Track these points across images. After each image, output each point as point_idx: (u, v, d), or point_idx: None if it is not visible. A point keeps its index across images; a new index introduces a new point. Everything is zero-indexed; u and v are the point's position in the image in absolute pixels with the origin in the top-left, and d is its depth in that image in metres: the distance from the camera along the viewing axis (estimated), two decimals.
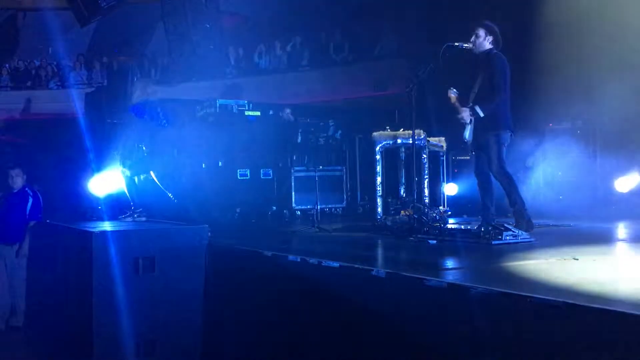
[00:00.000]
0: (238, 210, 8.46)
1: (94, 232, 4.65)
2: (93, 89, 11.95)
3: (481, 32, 5.61)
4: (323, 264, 4.13)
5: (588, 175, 7.92)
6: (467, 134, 5.57)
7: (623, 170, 7.74)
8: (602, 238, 5.55)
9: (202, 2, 11.73)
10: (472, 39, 5.64)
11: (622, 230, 6.30)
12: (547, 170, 7.98)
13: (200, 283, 4.87)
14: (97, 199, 6.76)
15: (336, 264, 4.05)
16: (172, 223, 5.54)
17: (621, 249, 5.07)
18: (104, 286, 4.48)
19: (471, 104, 5.55)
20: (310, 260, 4.25)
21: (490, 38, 5.61)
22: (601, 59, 7.30)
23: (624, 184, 7.74)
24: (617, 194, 7.78)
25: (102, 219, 6.30)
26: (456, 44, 5.71)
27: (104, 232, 4.66)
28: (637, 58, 7.00)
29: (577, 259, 4.07)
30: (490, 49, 5.63)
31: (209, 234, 5.13)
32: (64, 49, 12.72)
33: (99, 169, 6.98)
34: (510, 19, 6.54)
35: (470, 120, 5.55)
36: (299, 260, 4.36)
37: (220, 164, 8.50)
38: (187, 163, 8.11)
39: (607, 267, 3.96)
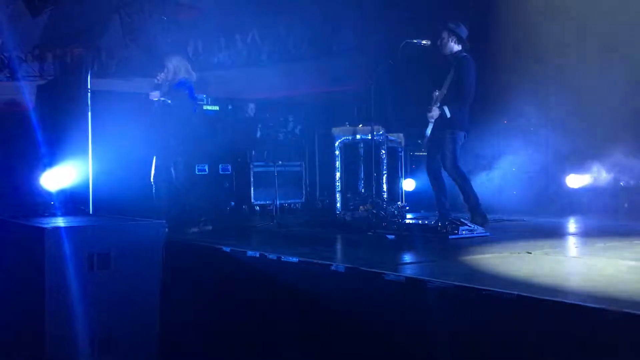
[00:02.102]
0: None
1: (46, 228, 4.51)
2: (45, 81, 11.59)
3: (444, 35, 5.73)
4: (282, 259, 4.13)
5: (541, 171, 8.12)
6: (429, 131, 5.69)
7: (574, 166, 7.98)
8: (554, 232, 5.72)
9: None
10: (438, 42, 5.75)
11: (572, 224, 6.50)
12: (501, 166, 8.16)
13: (157, 279, 4.78)
14: (50, 193, 6.58)
15: (295, 259, 4.06)
16: (127, 218, 5.43)
17: (572, 243, 5.23)
18: (56, 284, 4.36)
19: (439, 104, 5.66)
20: (270, 256, 4.24)
21: (454, 38, 5.72)
22: (557, 57, 7.49)
23: (575, 180, 7.97)
24: (568, 189, 8.01)
25: (54, 215, 6.13)
26: (415, 40, 5.79)
27: (56, 228, 4.53)
28: (591, 57, 7.21)
29: (530, 253, 4.18)
30: (459, 50, 5.73)
31: (166, 229, 5.05)
32: (14, 40, 12.31)
33: (51, 163, 6.79)
34: (468, 17, 6.62)
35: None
36: (258, 255, 4.35)
37: (178, 159, 8.36)
38: (142, 157, 7.96)
39: (559, 261, 4.08)
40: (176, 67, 6.07)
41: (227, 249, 4.66)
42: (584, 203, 7.52)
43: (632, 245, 4.59)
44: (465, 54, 5.73)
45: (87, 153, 6.79)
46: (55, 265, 4.38)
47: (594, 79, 7.15)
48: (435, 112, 5.65)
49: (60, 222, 5.17)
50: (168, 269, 4.75)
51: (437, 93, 5.71)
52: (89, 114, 6.99)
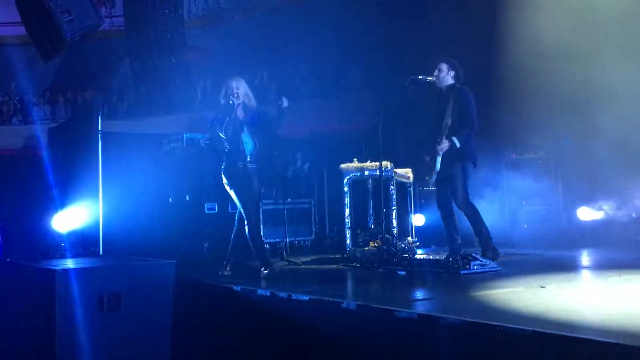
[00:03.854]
0: (206, 244, 8.35)
1: (56, 270, 4.52)
2: (56, 124, 11.78)
3: (443, 67, 5.83)
4: (293, 298, 4.10)
5: (551, 204, 8.08)
6: (438, 165, 5.71)
7: (585, 199, 7.93)
8: (567, 266, 5.65)
9: (167, 37, 11.79)
10: (436, 73, 5.82)
11: (585, 257, 6.43)
12: (511, 200, 8.13)
13: (168, 319, 4.76)
14: (61, 235, 6.61)
15: (306, 297, 4.03)
16: (138, 258, 5.43)
17: (586, 277, 5.17)
18: (66, 325, 4.35)
19: (445, 135, 5.69)
20: (280, 294, 4.21)
21: (452, 73, 5.82)
22: (563, 94, 7.54)
23: (586, 212, 7.92)
24: (579, 222, 7.95)
25: (65, 257, 6.14)
26: (420, 77, 5.87)
27: (66, 270, 4.53)
28: (596, 94, 7.26)
29: (544, 287, 4.12)
30: (454, 83, 5.81)
31: (176, 269, 5.05)
32: (27, 84, 12.56)
33: (62, 204, 6.84)
34: (476, 53, 6.73)
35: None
36: (268, 294, 4.32)
37: (187, 198, 8.42)
38: (153, 197, 8.01)
39: (574, 295, 4.03)
40: (246, 89, 5.81)
41: (238, 288, 4.64)
42: (596, 236, 7.45)
43: None
44: (460, 86, 5.80)
45: (98, 194, 6.85)
46: (65, 307, 4.37)
47: (603, 108, 7.19)
48: (445, 144, 5.68)
49: (70, 263, 5.18)
50: (178, 309, 4.73)
51: (445, 124, 5.74)
52: (100, 155, 7.07)
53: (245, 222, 5.60)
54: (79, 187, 6.97)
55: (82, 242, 6.52)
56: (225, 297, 4.64)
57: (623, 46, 7.24)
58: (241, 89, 5.70)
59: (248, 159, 5.65)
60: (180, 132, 8.97)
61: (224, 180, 5.66)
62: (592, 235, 7.51)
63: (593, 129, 7.26)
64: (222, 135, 5.58)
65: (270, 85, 12.58)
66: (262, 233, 8.52)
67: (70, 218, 6.62)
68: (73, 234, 6.56)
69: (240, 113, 5.69)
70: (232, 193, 5.65)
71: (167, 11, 11.66)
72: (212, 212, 8.58)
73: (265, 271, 5.56)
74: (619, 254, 6.37)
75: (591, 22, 7.38)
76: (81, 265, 4.92)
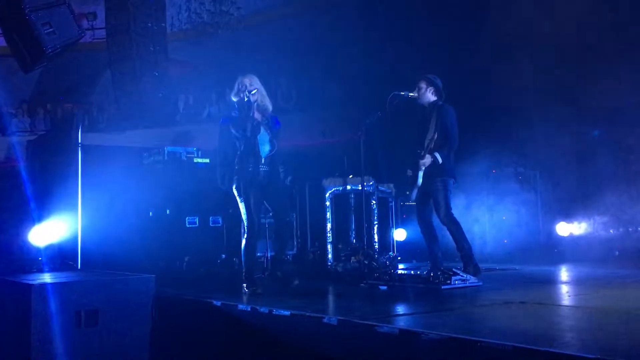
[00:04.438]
0: (186, 258, 8.27)
1: (33, 284, 4.45)
2: (36, 136, 11.66)
3: (422, 85, 5.92)
4: (274, 313, 4.07)
5: (531, 220, 8.15)
6: (420, 180, 5.75)
7: (564, 214, 8.02)
8: (547, 281, 5.70)
9: (150, 50, 11.75)
10: (415, 91, 5.90)
11: (565, 273, 6.49)
12: (492, 215, 8.19)
13: (147, 335, 4.69)
14: (38, 249, 6.51)
15: (287, 313, 4.00)
16: (116, 273, 5.36)
17: (565, 292, 5.20)
18: (42, 341, 4.26)
19: (428, 150, 5.73)
20: (261, 309, 4.18)
21: (432, 89, 5.89)
22: (543, 110, 7.66)
23: (565, 228, 8.00)
24: (559, 237, 8.03)
25: (42, 271, 6.04)
26: (402, 93, 5.93)
27: (43, 285, 4.46)
28: (576, 109, 7.39)
29: (524, 303, 4.15)
30: (435, 100, 5.88)
31: (156, 284, 4.99)
32: (6, 95, 12.42)
33: (40, 218, 6.74)
34: (456, 71, 6.81)
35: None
36: (249, 309, 4.29)
37: (168, 211, 8.35)
38: (133, 211, 7.93)
39: (554, 310, 4.05)
40: (261, 87, 5.42)
41: (218, 303, 4.60)
42: (575, 251, 7.54)
43: (625, 293, 4.57)
44: (442, 102, 5.88)
45: (77, 207, 6.76)
46: (41, 322, 4.29)
47: (583, 127, 7.33)
48: (427, 160, 5.72)
49: (47, 278, 5.10)
50: (157, 325, 4.66)
51: (428, 140, 5.79)
52: (79, 168, 7.00)
53: (244, 230, 5.31)
54: (57, 200, 6.88)
55: (60, 256, 6.43)
56: (206, 313, 4.59)
57: (612, 67, 7.39)
58: (255, 87, 5.34)
59: (262, 162, 5.34)
60: (162, 146, 8.91)
61: (233, 184, 5.36)
62: (570, 251, 7.59)
63: (574, 143, 7.38)
64: (235, 134, 5.24)
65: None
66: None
67: (47, 231, 6.53)
68: (50, 248, 6.47)
69: (256, 113, 5.35)
70: (237, 198, 5.35)
71: (150, 24, 11.64)
72: (193, 226, 8.51)
73: (247, 290, 5.28)
74: (597, 269, 6.44)
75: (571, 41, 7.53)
76: (58, 280, 4.84)
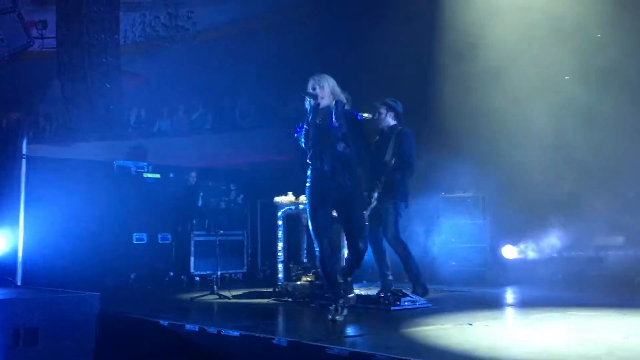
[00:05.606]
0: (133, 275, 8.09)
1: None
2: None
3: (382, 110, 6.01)
4: (223, 333, 4.01)
5: (479, 242, 8.32)
6: (374, 200, 5.81)
7: (510, 237, 8.22)
8: (493, 303, 5.82)
9: (102, 61, 11.50)
10: (376, 116, 5.98)
11: (510, 295, 6.64)
12: (440, 237, 8.31)
13: (89, 355, 4.53)
14: None
15: (236, 333, 3.94)
16: (58, 290, 5.18)
17: (511, 314, 5.32)
18: None
19: (385, 173, 5.79)
20: (209, 329, 4.11)
21: (391, 114, 5.99)
22: (492, 134, 7.87)
23: (510, 251, 8.20)
24: (505, 260, 8.21)
25: None
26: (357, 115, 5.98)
27: None
28: (525, 133, 7.65)
29: (472, 324, 4.22)
30: (395, 124, 5.98)
31: (100, 301, 4.84)
32: None
33: None
34: (410, 94, 6.93)
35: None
36: (197, 329, 4.21)
37: (115, 227, 8.15)
38: (79, 226, 7.70)
39: (500, 332, 4.13)
40: (332, 87, 4.78)
41: (165, 323, 4.49)
42: (520, 273, 7.72)
43: (568, 316, 4.71)
44: (401, 127, 5.98)
45: (18, 221, 6.51)
46: None
47: (528, 153, 7.57)
48: (383, 182, 5.79)
49: None
50: (101, 345, 4.52)
51: (387, 161, 5.86)
52: (23, 180, 6.76)
53: (316, 247, 4.68)
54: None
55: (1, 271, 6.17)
56: (152, 332, 4.48)
57: (545, 95, 7.69)
58: (321, 88, 4.71)
59: (329, 174, 4.64)
60: (111, 160, 8.73)
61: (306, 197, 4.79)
62: (516, 273, 7.77)
63: (519, 168, 7.60)
64: (302, 146, 4.75)
65: (206, 115, 12.50)
66: (192, 265, 8.43)
67: None
68: None
69: (321, 117, 4.71)
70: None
71: (103, 35, 11.41)
72: (141, 242, 8.35)
73: (337, 314, 4.52)
74: (541, 292, 6.61)
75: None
76: None
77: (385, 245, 5.93)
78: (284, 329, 4.77)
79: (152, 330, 4.49)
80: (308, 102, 4.76)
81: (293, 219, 7.19)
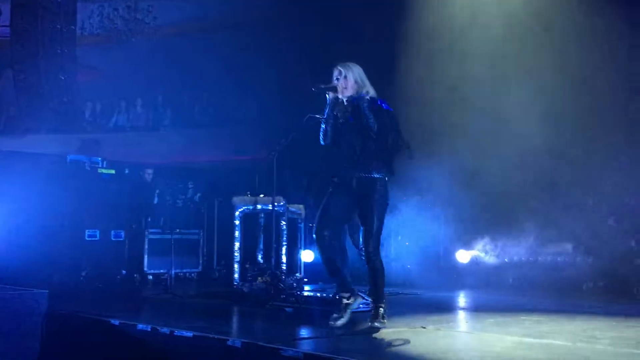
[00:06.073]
0: (84, 273, 7.88)
1: None
2: None
3: None
4: (175, 334, 3.95)
5: (433, 246, 8.44)
6: None
7: (464, 241, 8.36)
8: (446, 307, 5.91)
9: (57, 52, 11.22)
10: None
11: (463, 299, 6.75)
12: (396, 240, 8.39)
13: (35, 355, 4.40)
14: None
15: (190, 334, 3.89)
16: (5, 287, 5.01)
17: (463, 318, 5.41)
18: None
19: None
20: (162, 330, 4.05)
21: None
22: (447, 137, 7.99)
23: (463, 255, 8.34)
24: (458, 264, 8.35)
25: None
26: (317, 116, 5.96)
27: None
28: (481, 138, 7.78)
29: (425, 328, 4.27)
30: None
31: (49, 299, 4.70)
32: None
33: None
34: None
35: None
36: (149, 329, 4.13)
37: (66, 223, 7.93)
38: (28, 221, 7.47)
39: (451, 336, 4.19)
40: (356, 77, 4.39)
41: (116, 322, 4.40)
42: (473, 277, 7.86)
43: (519, 320, 4.80)
44: None
45: None
46: None
47: (485, 157, 7.70)
48: None
49: None
50: (49, 344, 4.39)
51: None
52: None
53: (315, 238, 4.49)
54: None
55: None
56: (102, 332, 4.38)
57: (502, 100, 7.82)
58: (345, 78, 4.34)
59: (346, 169, 4.36)
60: (64, 154, 8.49)
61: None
62: (469, 277, 7.91)
63: (476, 172, 7.73)
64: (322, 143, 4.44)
65: (165, 111, 12.31)
66: (145, 263, 8.27)
67: None
68: None
69: (342, 109, 4.38)
70: None
71: (58, 26, 11.12)
72: (93, 239, 8.14)
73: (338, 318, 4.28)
74: (493, 296, 6.75)
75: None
76: None
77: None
78: (239, 330, 4.73)
79: (102, 330, 4.39)
80: (327, 93, 4.40)
81: (250, 219, 7.15)
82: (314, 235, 4.48)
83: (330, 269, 4.47)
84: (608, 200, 7.36)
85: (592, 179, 7.37)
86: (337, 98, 4.39)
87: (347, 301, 4.38)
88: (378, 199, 4.30)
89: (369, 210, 4.29)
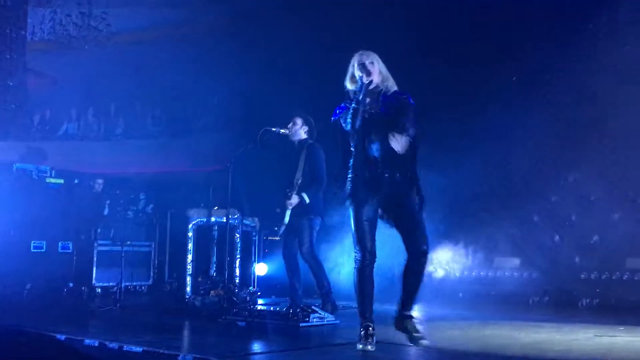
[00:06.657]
0: (28, 286, 7.63)
1: None
2: None
3: (298, 121, 6.00)
4: (124, 349, 3.86)
5: (384, 258, 8.48)
6: (287, 218, 5.81)
7: None
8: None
9: (6, 57, 10.91)
10: (290, 125, 5.97)
11: (414, 312, 6.78)
12: (350, 256, 8.41)
13: None
14: None
15: (139, 349, 3.81)
16: None
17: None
18: None
19: (297, 190, 5.80)
20: (110, 345, 3.95)
21: (305, 128, 6.01)
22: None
23: None
24: None
25: None
26: (273, 129, 5.98)
27: None
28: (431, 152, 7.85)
29: (378, 343, 4.29)
30: (306, 139, 6.00)
31: None
32: None
33: None
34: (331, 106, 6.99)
35: None
36: (97, 344, 4.03)
37: (11, 233, 7.68)
38: None
39: (404, 351, 4.23)
40: (381, 67, 4.10)
41: (62, 337, 4.27)
42: (424, 291, 7.93)
43: (466, 334, 4.88)
44: (312, 141, 6.01)
45: None
46: None
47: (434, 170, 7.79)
48: (294, 199, 5.80)
49: None
50: None
51: (296, 179, 5.87)
52: None
53: (356, 255, 4.22)
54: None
55: None
56: (48, 347, 4.24)
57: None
58: (372, 64, 4.04)
59: (381, 165, 3.99)
60: (11, 162, 8.23)
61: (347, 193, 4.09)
62: (420, 290, 7.97)
63: (427, 184, 7.81)
64: (346, 129, 4.02)
65: (117, 120, 12.09)
66: (94, 276, 8.06)
67: None
68: None
69: (373, 100, 4.05)
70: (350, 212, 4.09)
71: (8, 30, 10.82)
72: (39, 250, 7.91)
73: (367, 343, 4.10)
74: (443, 309, 6.83)
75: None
76: None
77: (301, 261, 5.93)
78: (190, 345, 4.65)
79: (47, 345, 4.26)
80: (358, 78, 4.00)
81: (204, 232, 7.09)
82: (367, 254, 4.18)
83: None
84: (553, 217, 7.57)
85: (540, 195, 7.56)
86: (370, 82, 4.01)
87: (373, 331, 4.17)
88: (416, 195, 4.08)
89: (412, 209, 4.05)
